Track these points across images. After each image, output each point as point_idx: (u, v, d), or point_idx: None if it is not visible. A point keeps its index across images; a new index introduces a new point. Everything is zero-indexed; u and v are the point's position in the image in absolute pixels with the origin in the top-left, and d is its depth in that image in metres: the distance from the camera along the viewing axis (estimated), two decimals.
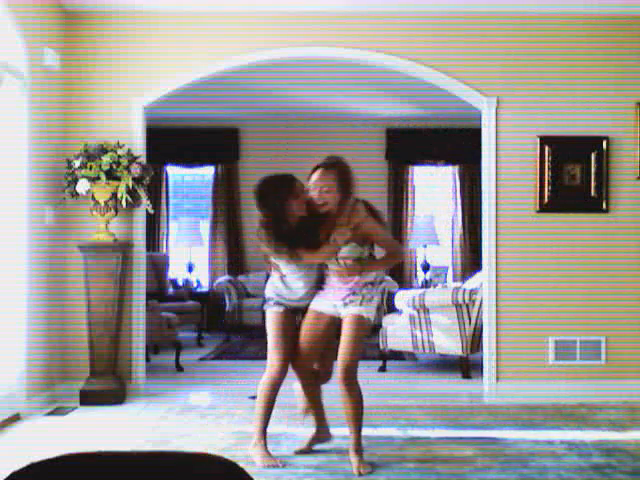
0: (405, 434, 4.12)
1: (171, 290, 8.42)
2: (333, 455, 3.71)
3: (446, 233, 9.26)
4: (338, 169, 3.46)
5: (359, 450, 3.50)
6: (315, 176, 3.46)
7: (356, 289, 3.47)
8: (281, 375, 3.58)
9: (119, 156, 4.89)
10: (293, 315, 3.65)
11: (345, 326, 3.47)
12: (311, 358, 3.63)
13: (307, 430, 4.19)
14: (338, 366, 3.43)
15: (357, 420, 3.48)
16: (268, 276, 3.81)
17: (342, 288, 3.49)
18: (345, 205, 3.44)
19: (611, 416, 4.59)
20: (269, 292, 3.67)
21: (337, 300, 3.51)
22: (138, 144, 5.16)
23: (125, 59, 5.17)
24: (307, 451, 3.75)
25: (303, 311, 3.64)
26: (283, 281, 3.61)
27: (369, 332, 3.69)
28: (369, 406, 4.68)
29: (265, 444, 3.58)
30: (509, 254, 5.17)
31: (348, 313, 3.47)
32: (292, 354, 3.58)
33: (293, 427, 4.25)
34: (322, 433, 3.80)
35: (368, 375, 5.98)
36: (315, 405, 3.76)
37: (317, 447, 3.81)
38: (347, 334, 3.44)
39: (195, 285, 9.00)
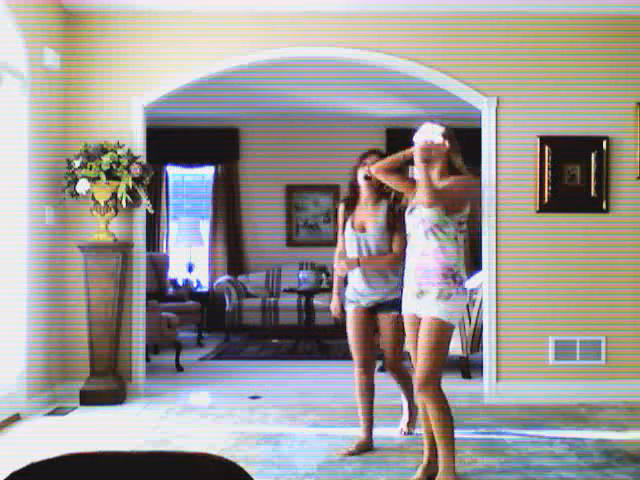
0: (405, 434, 4.12)
1: (171, 290, 8.42)
2: (334, 455, 3.71)
3: None
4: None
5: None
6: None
7: (434, 276, 3.15)
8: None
9: (119, 156, 4.89)
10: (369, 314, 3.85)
11: (421, 329, 3.19)
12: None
13: (307, 430, 4.20)
14: (415, 374, 3.24)
15: (438, 435, 3.18)
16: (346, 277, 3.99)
17: (419, 273, 3.20)
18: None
19: (611, 416, 4.59)
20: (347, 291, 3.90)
21: (413, 288, 3.23)
22: (138, 144, 5.16)
23: (125, 59, 5.17)
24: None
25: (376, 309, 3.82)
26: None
27: (449, 336, 3.20)
28: None
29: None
30: (509, 254, 5.17)
31: (424, 313, 3.18)
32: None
33: (293, 427, 4.25)
34: (434, 465, 3.29)
35: None
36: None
37: (319, 447, 3.81)
38: (422, 339, 3.17)
39: (195, 285, 9.00)
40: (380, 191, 3.79)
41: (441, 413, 3.13)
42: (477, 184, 3.34)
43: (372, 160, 3.70)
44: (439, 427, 3.13)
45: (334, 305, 4.05)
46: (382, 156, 3.74)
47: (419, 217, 3.21)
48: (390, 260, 3.76)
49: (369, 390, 3.88)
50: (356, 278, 3.81)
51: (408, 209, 3.33)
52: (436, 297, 3.13)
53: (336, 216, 4.13)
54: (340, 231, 3.97)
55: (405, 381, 4.03)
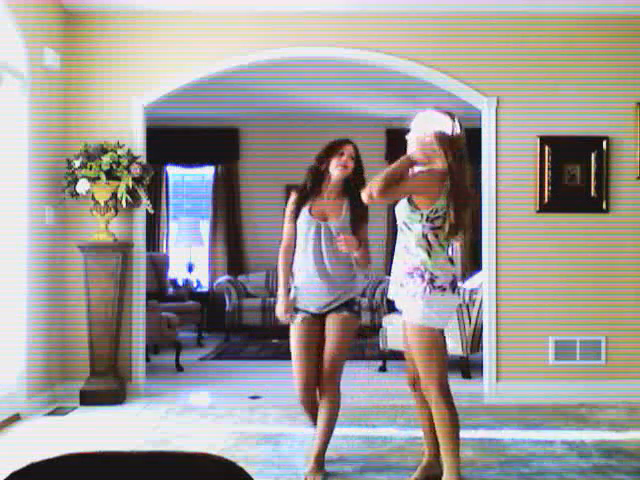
0: (405, 434, 4.11)
1: (171, 290, 8.43)
2: (332, 455, 3.71)
3: None
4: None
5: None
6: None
7: (403, 276, 3.10)
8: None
9: (119, 156, 4.90)
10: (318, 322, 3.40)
11: None
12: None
13: (307, 430, 4.19)
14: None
15: (441, 442, 3.12)
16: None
17: (394, 272, 3.18)
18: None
19: (611, 416, 4.59)
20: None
21: (391, 289, 3.23)
22: (138, 144, 5.16)
23: (125, 59, 5.17)
24: None
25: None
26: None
27: (427, 338, 3.07)
28: (369, 406, 4.70)
29: None
30: (509, 254, 5.17)
31: (404, 316, 3.18)
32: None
33: (293, 427, 4.25)
34: (434, 465, 3.30)
35: (368, 375, 5.99)
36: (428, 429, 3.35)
37: None
38: (409, 344, 3.19)
39: (195, 285, 9.01)
40: (344, 184, 3.45)
41: (445, 415, 3.04)
42: (430, 177, 3.06)
43: (349, 151, 3.42)
44: (443, 429, 3.06)
45: (285, 307, 3.38)
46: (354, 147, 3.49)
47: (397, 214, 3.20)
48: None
49: (315, 407, 3.46)
50: (309, 279, 3.36)
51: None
52: (405, 297, 3.08)
53: None
54: (288, 221, 3.47)
55: (334, 404, 3.39)
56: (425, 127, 3.14)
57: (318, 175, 3.46)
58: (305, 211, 3.40)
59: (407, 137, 3.22)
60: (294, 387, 3.41)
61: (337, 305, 3.36)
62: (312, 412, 3.49)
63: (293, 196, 3.49)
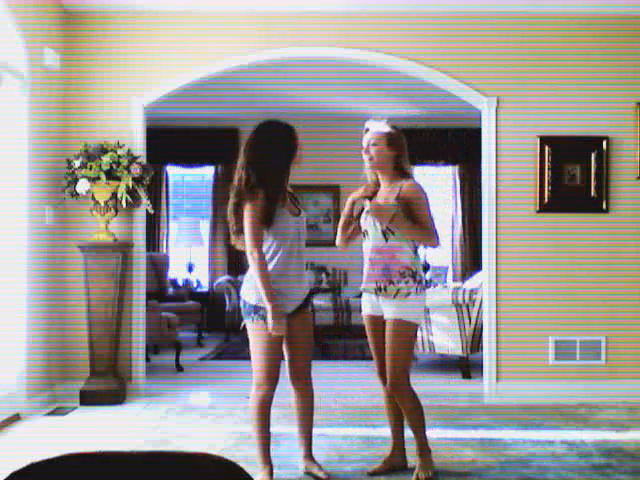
0: (405, 434, 4.10)
1: (171, 290, 8.42)
2: (333, 456, 3.71)
3: (446, 233, 9.26)
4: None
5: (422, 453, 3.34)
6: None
7: (393, 275, 3.18)
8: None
9: (119, 156, 4.90)
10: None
11: (386, 332, 3.25)
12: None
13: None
14: (387, 374, 3.28)
15: (414, 425, 3.32)
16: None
17: (377, 270, 3.21)
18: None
19: (611, 416, 4.59)
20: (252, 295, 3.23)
21: (372, 285, 3.24)
22: (138, 144, 5.16)
23: (125, 59, 5.17)
24: (381, 473, 3.44)
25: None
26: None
27: (414, 335, 3.32)
28: (369, 406, 4.69)
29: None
30: (509, 254, 5.17)
31: (387, 316, 3.23)
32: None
33: (292, 427, 4.25)
34: (397, 457, 3.53)
35: (368, 375, 5.99)
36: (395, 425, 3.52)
37: (318, 447, 3.81)
38: (388, 341, 3.23)
39: (195, 285, 9.00)
40: None
41: (415, 409, 3.28)
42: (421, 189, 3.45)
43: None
44: (415, 422, 3.30)
45: (283, 319, 3.11)
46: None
47: (373, 219, 3.26)
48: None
49: (269, 414, 3.34)
50: (291, 279, 3.19)
51: (364, 209, 3.35)
52: (394, 296, 3.20)
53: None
54: (261, 225, 3.10)
55: (312, 398, 3.48)
56: (375, 135, 3.41)
57: (289, 170, 3.21)
58: (285, 212, 3.16)
59: (364, 155, 3.44)
60: (259, 388, 3.32)
61: (304, 301, 3.29)
62: (269, 421, 3.34)
63: (261, 198, 3.08)
